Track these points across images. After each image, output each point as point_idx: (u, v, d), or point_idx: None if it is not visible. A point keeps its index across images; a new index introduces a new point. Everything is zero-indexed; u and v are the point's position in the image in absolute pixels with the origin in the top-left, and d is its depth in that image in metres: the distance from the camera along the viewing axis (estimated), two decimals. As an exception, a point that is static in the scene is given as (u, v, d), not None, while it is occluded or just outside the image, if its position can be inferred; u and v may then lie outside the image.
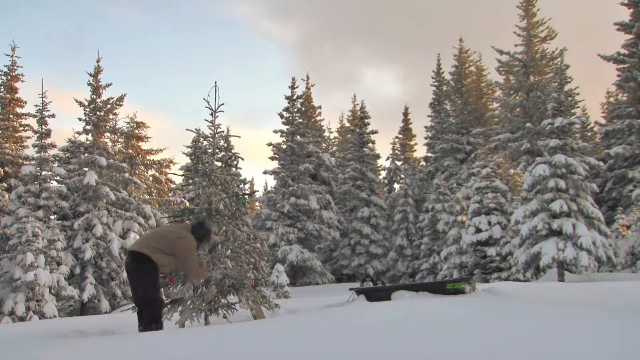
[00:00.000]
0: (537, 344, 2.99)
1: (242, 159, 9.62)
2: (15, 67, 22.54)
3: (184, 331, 4.58)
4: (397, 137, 38.22)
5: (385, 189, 35.38)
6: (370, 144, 30.87)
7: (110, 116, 21.27)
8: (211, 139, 6.31)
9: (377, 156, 32.41)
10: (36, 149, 18.31)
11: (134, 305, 5.23)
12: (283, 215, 27.28)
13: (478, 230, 19.89)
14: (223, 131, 21.60)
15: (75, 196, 19.09)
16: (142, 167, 25.53)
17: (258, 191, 39.85)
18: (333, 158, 33.28)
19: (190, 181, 27.40)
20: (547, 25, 28.03)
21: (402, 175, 32.70)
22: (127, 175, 20.16)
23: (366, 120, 30.85)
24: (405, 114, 39.90)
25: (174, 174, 30.04)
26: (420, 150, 62.93)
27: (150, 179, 26.16)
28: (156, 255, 4.84)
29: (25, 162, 20.25)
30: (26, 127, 22.75)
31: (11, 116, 22.36)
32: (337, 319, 4.30)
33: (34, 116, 19.34)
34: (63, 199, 18.35)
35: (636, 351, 2.89)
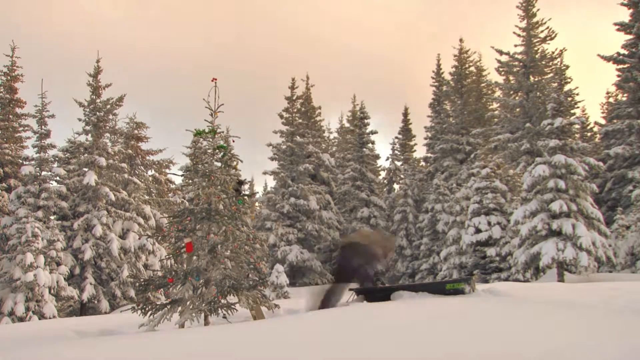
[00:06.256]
0: (537, 343, 2.99)
1: (241, 161, 9.51)
2: (15, 68, 22.53)
3: (184, 331, 4.58)
4: (396, 138, 38.21)
5: (385, 189, 35.37)
6: (370, 145, 30.86)
7: (110, 116, 21.28)
8: (210, 140, 6.31)
9: (377, 156, 32.40)
10: (36, 149, 18.33)
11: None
12: (283, 215, 27.28)
13: (478, 231, 19.89)
14: (223, 131, 21.56)
15: (74, 196, 19.08)
16: (142, 167, 25.51)
17: (258, 192, 39.84)
18: (333, 158, 33.24)
19: (190, 181, 27.39)
20: (547, 26, 28.06)
21: (402, 176, 32.69)
22: (126, 175, 20.14)
23: (366, 121, 30.84)
24: (405, 114, 39.90)
25: (173, 174, 30.05)
26: (420, 151, 62.94)
27: (150, 179, 26.13)
28: None
29: (24, 163, 20.27)
30: (26, 128, 22.75)
31: (11, 116, 22.34)
32: (336, 319, 4.30)
33: (34, 116, 19.35)
34: (63, 199, 18.35)
35: (636, 350, 2.89)
